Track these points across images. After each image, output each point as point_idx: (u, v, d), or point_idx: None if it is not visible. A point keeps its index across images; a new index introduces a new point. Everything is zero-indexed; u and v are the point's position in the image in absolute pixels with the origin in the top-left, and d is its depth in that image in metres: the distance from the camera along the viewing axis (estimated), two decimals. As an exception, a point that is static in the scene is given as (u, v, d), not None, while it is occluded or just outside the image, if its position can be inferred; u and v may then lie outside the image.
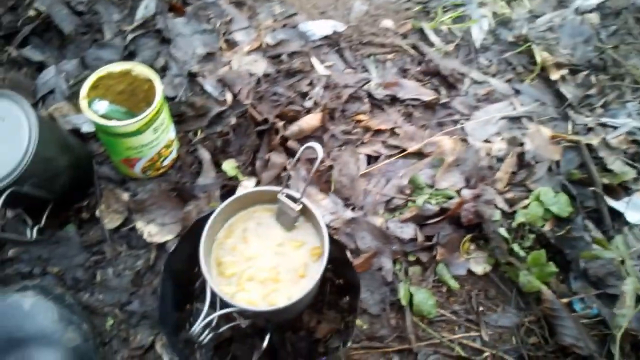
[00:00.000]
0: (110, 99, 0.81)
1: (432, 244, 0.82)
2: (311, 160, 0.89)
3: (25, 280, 0.78)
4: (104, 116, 0.76)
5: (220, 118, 0.92)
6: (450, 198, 0.85)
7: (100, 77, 0.78)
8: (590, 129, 0.97)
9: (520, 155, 0.92)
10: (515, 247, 0.81)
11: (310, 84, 0.96)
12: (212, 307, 0.60)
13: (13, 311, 0.69)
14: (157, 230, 0.83)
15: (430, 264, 0.82)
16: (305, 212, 0.66)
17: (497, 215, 0.82)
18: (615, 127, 0.97)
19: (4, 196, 0.68)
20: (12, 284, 0.79)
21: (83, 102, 0.75)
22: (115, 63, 0.78)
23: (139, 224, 0.83)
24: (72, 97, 0.94)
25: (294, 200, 0.64)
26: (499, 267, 0.83)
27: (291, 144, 0.88)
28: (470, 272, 0.83)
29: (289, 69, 0.99)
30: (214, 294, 0.60)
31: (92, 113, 0.75)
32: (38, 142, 0.70)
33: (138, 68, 0.79)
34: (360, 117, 0.94)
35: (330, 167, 0.87)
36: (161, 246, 0.83)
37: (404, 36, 1.09)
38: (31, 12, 1.00)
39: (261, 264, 0.66)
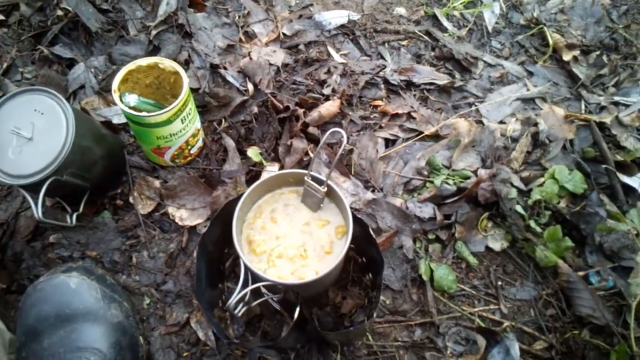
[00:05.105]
0: (138, 92, 0.85)
1: (451, 223, 0.85)
2: (332, 146, 0.93)
3: (68, 263, 0.83)
4: (134, 108, 0.81)
5: (242, 107, 0.96)
6: (467, 178, 0.88)
7: (129, 70, 0.82)
8: (603, 108, 1.00)
9: (535, 135, 0.94)
10: (532, 223, 0.84)
11: (328, 72, 0.99)
12: (245, 284, 0.65)
13: (61, 290, 0.73)
14: (188, 215, 0.88)
15: (449, 242, 0.85)
16: (329, 193, 0.70)
17: (513, 194, 0.85)
18: (627, 105, 0.99)
19: (45, 185, 0.73)
20: (54, 267, 0.84)
21: (115, 95, 0.79)
22: (143, 58, 0.82)
23: (171, 209, 0.88)
24: (102, 91, 0.98)
25: (320, 182, 0.68)
26: (516, 244, 0.86)
27: (311, 130, 0.92)
28: (488, 249, 0.86)
29: (306, 59, 1.02)
30: (247, 271, 0.64)
31: (124, 105, 0.79)
32: (75, 133, 0.74)
33: (164, 62, 0.83)
34: (377, 102, 0.97)
35: (351, 151, 0.91)
36: (192, 229, 0.87)
37: (417, 23, 1.11)
38: (59, 12, 1.04)
39: (289, 242, 0.70)
